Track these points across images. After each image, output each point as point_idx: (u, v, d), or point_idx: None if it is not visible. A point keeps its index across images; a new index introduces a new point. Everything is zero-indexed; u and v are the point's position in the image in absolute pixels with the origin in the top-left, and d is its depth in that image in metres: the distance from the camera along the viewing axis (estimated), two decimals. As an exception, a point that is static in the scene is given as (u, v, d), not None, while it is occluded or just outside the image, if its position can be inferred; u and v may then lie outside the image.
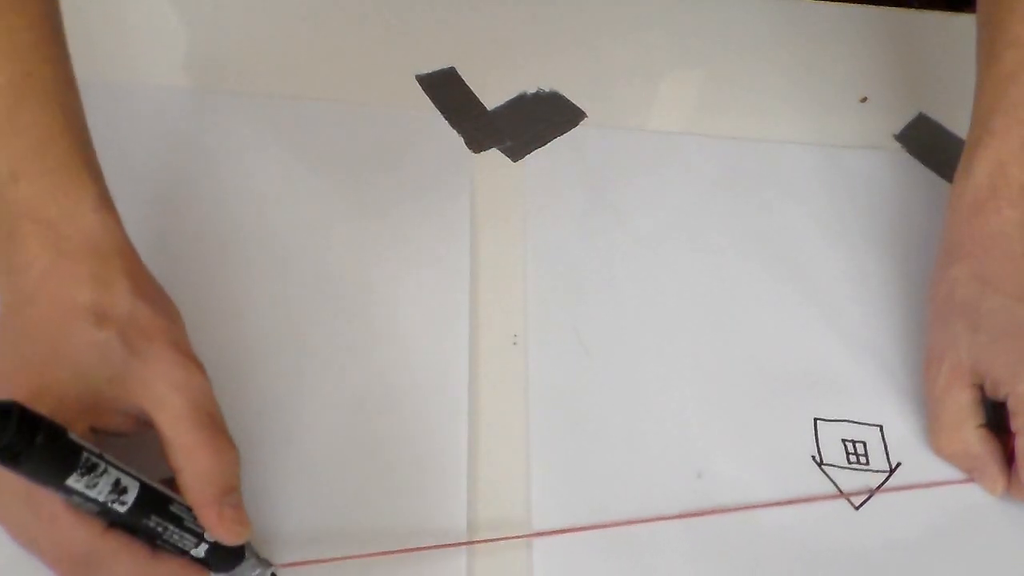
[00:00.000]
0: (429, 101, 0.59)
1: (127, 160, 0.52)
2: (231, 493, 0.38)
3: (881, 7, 0.71)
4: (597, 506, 0.46)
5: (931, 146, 0.63)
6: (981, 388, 0.49)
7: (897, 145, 0.64)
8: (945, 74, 0.67)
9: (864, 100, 0.66)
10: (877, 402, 0.52)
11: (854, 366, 0.53)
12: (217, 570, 0.40)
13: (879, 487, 0.49)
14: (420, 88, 0.60)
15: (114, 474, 0.36)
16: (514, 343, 0.51)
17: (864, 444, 0.50)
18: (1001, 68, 0.51)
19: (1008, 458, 0.49)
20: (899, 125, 0.65)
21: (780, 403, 0.51)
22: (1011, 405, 0.48)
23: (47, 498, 0.36)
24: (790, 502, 0.48)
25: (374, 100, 0.59)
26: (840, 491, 0.49)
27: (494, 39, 0.63)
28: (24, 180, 0.38)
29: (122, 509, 0.36)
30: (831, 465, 0.49)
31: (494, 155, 0.58)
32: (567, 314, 0.52)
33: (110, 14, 0.58)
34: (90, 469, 0.35)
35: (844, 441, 0.50)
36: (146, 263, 0.41)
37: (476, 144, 0.58)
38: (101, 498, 0.35)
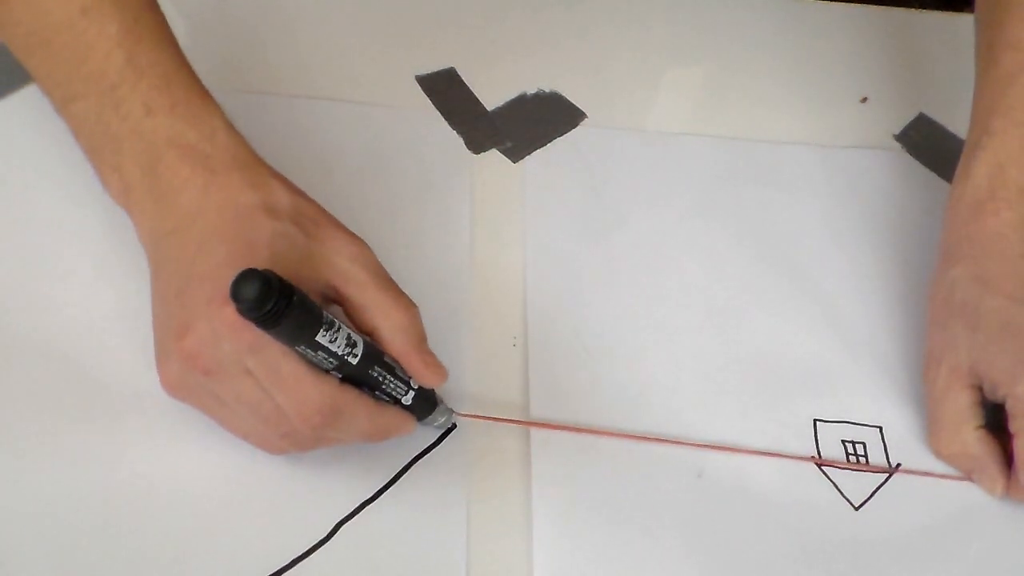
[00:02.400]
0: (429, 101, 0.59)
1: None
2: (425, 342, 0.43)
3: (881, 7, 0.71)
4: (598, 506, 0.46)
5: (931, 146, 0.63)
6: (980, 389, 0.49)
7: (897, 145, 0.64)
8: (945, 74, 0.67)
9: (864, 100, 0.66)
10: (877, 403, 0.52)
11: (854, 367, 0.53)
12: (420, 417, 0.45)
13: (879, 487, 0.49)
14: (420, 88, 0.60)
15: (345, 331, 0.40)
16: (514, 344, 0.51)
17: (864, 444, 0.51)
18: (1000, 70, 0.51)
19: (1008, 459, 0.49)
20: (899, 125, 0.65)
21: (780, 403, 0.51)
22: (1009, 407, 0.48)
23: (288, 363, 0.39)
24: (790, 502, 0.48)
25: (374, 100, 0.59)
26: (840, 491, 0.49)
27: (494, 39, 0.63)
28: (160, 113, 0.42)
29: (354, 361, 0.40)
30: (831, 465, 0.50)
31: (494, 156, 0.58)
32: (567, 314, 0.52)
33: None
34: (330, 326, 0.39)
35: (844, 442, 0.50)
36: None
37: (476, 145, 0.58)
38: (340, 351, 0.39)
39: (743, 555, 0.46)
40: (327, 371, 0.40)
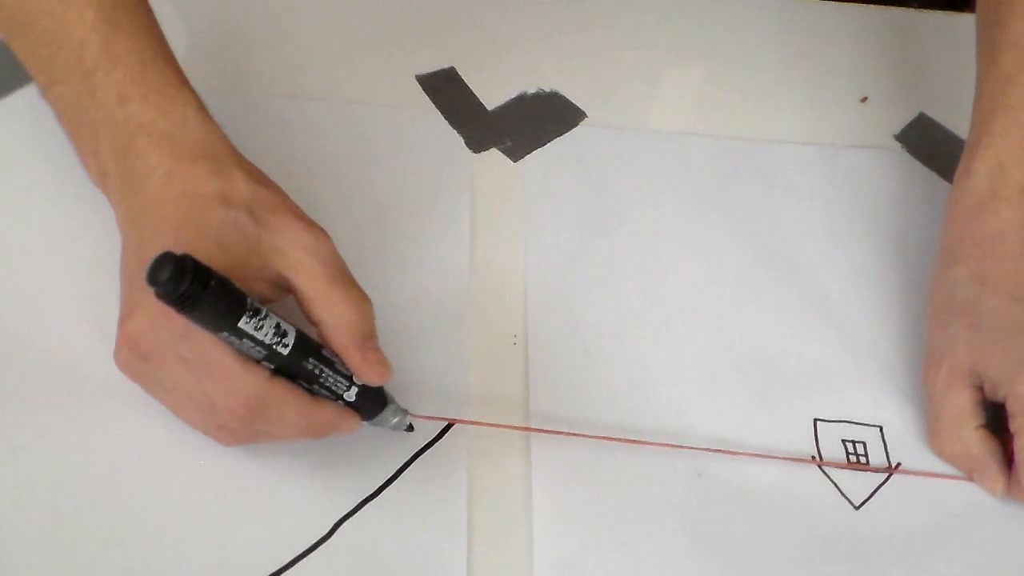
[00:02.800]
0: (429, 101, 0.59)
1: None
2: (371, 339, 0.42)
3: (881, 7, 0.71)
4: (598, 506, 0.46)
5: (931, 146, 0.63)
6: (981, 389, 0.49)
7: (897, 145, 0.64)
8: (945, 74, 0.67)
9: (864, 100, 0.66)
10: (877, 402, 0.52)
11: (854, 366, 0.53)
12: (365, 416, 0.43)
13: (879, 487, 0.49)
14: (420, 88, 0.60)
15: (274, 319, 0.39)
16: (514, 343, 0.51)
17: (864, 444, 0.50)
18: (1000, 70, 0.51)
19: (1008, 458, 0.49)
20: (899, 125, 0.65)
21: (780, 403, 0.51)
22: (1009, 406, 0.48)
23: (216, 351, 0.39)
24: (790, 502, 0.48)
25: (374, 100, 0.59)
26: (840, 491, 0.49)
27: (494, 39, 0.63)
28: (132, 101, 0.42)
29: (284, 351, 0.39)
30: (831, 465, 0.49)
31: (494, 155, 0.58)
32: (567, 314, 0.52)
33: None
34: (255, 313, 0.38)
35: (844, 441, 0.50)
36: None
37: (476, 144, 0.58)
38: (267, 340, 0.39)
39: (743, 555, 0.46)
40: (258, 361, 0.40)
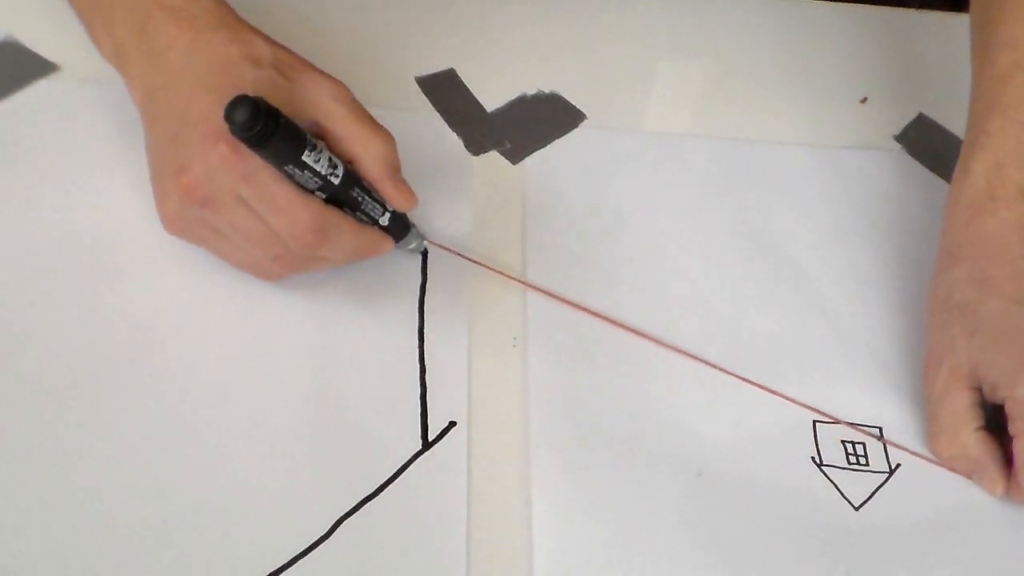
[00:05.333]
0: (428, 103, 0.59)
1: (129, 157, 0.52)
2: (399, 171, 0.47)
3: (881, 7, 0.71)
4: (597, 506, 0.46)
5: (931, 146, 0.63)
6: (980, 391, 0.49)
7: (897, 145, 0.64)
8: (945, 74, 0.67)
9: (864, 100, 0.66)
10: (877, 403, 0.52)
11: (854, 367, 0.53)
12: (395, 239, 0.49)
13: (879, 488, 0.49)
14: (420, 90, 0.60)
15: (327, 153, 0.44)
16: (514, 344, 0.51)
17: (864, 445, 0.51)
18: (995, 69, 0.51)
19: (1007, 460, 0.49)
20: (899, 125, 0.65)
21: (779, 403, 0.51)
22: (1008, 409, 0.48)
23: (279, 187, 0.43)
24: (790, 502, 0.48)
25: (373, 102, 0.58)
26: (840, 491, 0.49)
27: (494, 40, 0.63)
28: None
29: (336, 180, 0.44)
30: (831, 466, 0.50)
31: (493, 157, 0.58)
32: (567, 315, 0.52)
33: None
34: (313, 147, 0.43)
35: (844, 442, 0.50)
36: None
37: (475, 146, 0.58)
38: (323, 171, 0.44)
39: (743, 555, 0.46)
40: (312, 192, 0.44)
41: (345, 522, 0.44)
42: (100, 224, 0.50)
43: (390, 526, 0.44)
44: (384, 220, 0.48)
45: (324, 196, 0.45)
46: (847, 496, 0.49)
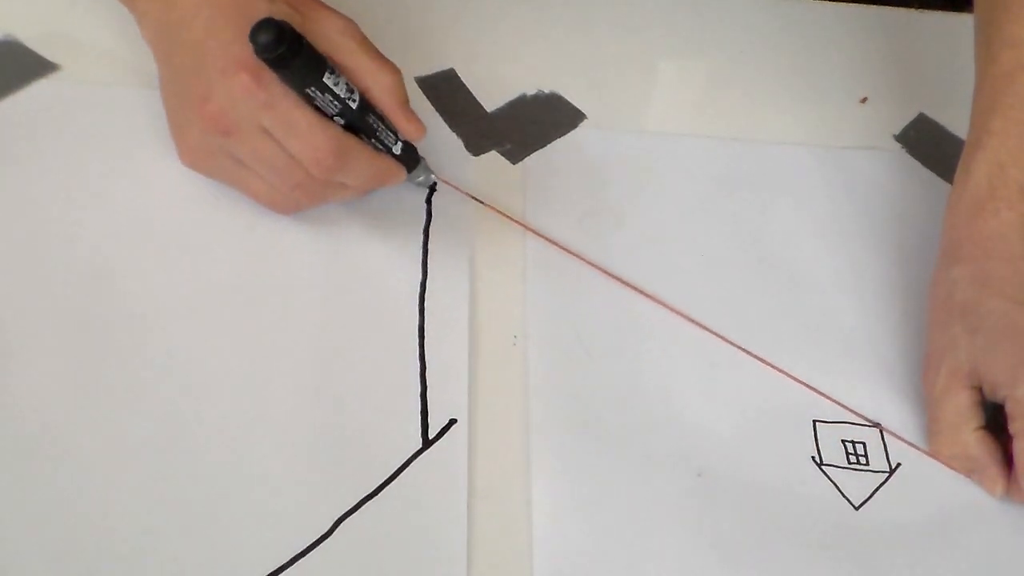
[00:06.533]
0: (428, 103, 0.59)
1: (131, 160, 0.52)
2: (408, 102, 0.49)
3: (881, 7, 0.71)
4: (598, 506, 0.46)
5: (931, 146, 0.63)
6: (980, 390, 0.49)
7: (897, 145, 0.64)
8: (945, 74, 0.67)
9: (864, 100, 0.66)
10: (876, 403, 0.52)
11: (854, 367, 0.53)
12: (408, 169, 0.51)
13: (879, 487, 0.49)
14: (420, 90, 0.60)
15: (344, 77, 0.46)
16: (514, 343, 0.51)
17: (864, 445, 0.51)
18: (998, 69, 0.51)
19: (1008, 460, 0.49)
20: (899, 125, 0.65)
21: (779, 404, 0.51)
22: (1009, 408, 0.48)
23: (300, 112, 0.45)
24: (790, 502, 0.48)
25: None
26: (840, 491, 0.49)
27: (494, 40, 0.63)
28: None
29: (354, 105, 0.46)
30: (831, 465, 0.50)
31: (493, 157, 0.58)
32: (567, 314, 0.52)
33: (114, 17, 0.58)
34: (332, 71, 0.45)
35: (844, 442, 0.50)
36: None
37: (475, 146, 0.58)
38: (343, 94, 0.46)
39: (743, 554, 0.46)
40: (331, 118, 0.46)
41: (345, 521, 0.44)
42: (100, 223, 0.50)
43: (390, 525, 0.44)
44: (397, 149, 0.50)
45: (343, 122, 0.47)
46: (847, 496, 0.49)
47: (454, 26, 0.64)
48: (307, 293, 0.50)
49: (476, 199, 0.54)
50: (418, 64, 0.61)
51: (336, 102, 0.46)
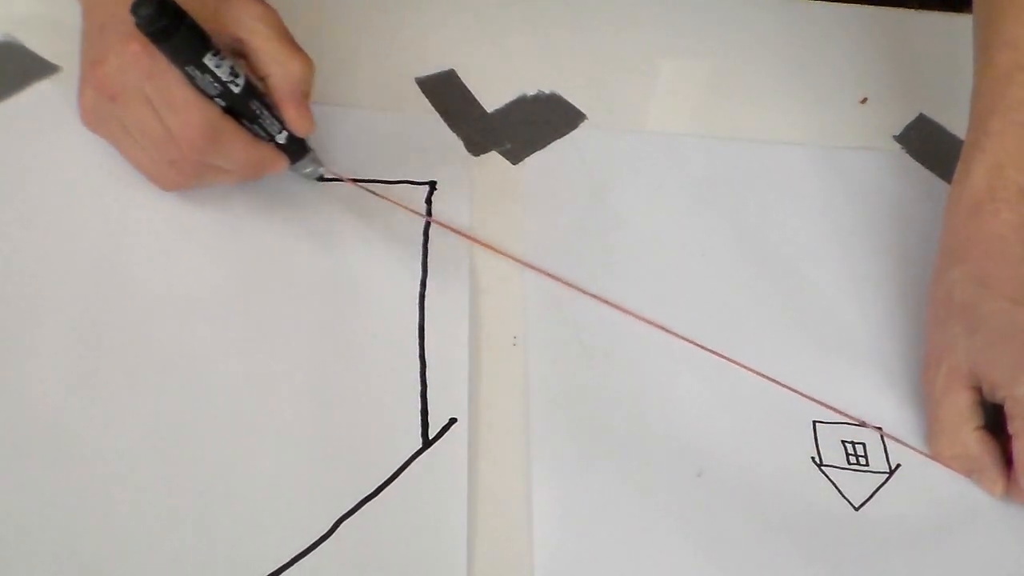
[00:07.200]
0: (429, 104, 0.59)
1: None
2: (308, 96, 0.49)
3: (881, 7, 0.71)
4: (598, 506, 0.46)
5: (931, 147, 0.63)
6: (980, 390, 0.49)
7: (897, 146, 0.64)
8: (945, 74, 0.67)
9: (864, 100, 0.66)
10: (876, 404, 0.52)
11: (854, 367, 0.53)
12: (291, 160, 0.51)
13: (879, 488, 0.49)
14: (420, 90, 0.60)
15: (230, 61, 0.46)
16: (514, 344, 0.51)
17: (864, 445, 0.51)
18: (996, 70, 0.51)
19: (1007, 459, 0.49)
20: (899, 125, 0.65)
21: (779, 404, 0.51)
22: (1008, 408, 0.48)
23: (178, 86, 0.45)
24: (790, 502, 0.48)
25: (374, 103, 0.59)
26: (840, 491, 0.49)
27: (494, 41, 0.64)
28: None
29: (236, 89, 0.46)
30: (831, 466, 0.50)
31: (493, 157, 0.58)
32: (567, 314, 0.52)
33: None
34: (216, 53, 0.45)
35: (844, 442, 0.50)
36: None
37: (476, 147, 0.58)
38: (225, 77, 0.46)
39: (743, 555, 0.46)
40: (212, 99, 0.46)
41: (345, 521, 0.44)
42: (102, 223, 0.50)
43: (391, 525, 0.44)
44: (281, 138, 0.49)
45: (224, 104, 0.47)
46: (847, 496, 0.49)
47: (454, 26, 0.64)
48: (307, 293, 0.50)
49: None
50: (418, 64, 0.61)
51: (216, 84, 0.46)
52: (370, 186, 0.53)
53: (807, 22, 0.69)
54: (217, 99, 0.46)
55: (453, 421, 0.47)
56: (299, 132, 0.49)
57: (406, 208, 0.53)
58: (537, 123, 0.60)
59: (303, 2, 0.63)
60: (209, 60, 0.45)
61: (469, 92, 0.60)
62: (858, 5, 0.71)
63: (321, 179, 0.53)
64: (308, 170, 0.52)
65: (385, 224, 0.53)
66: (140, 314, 0.48)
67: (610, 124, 0.61)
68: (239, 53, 0.48)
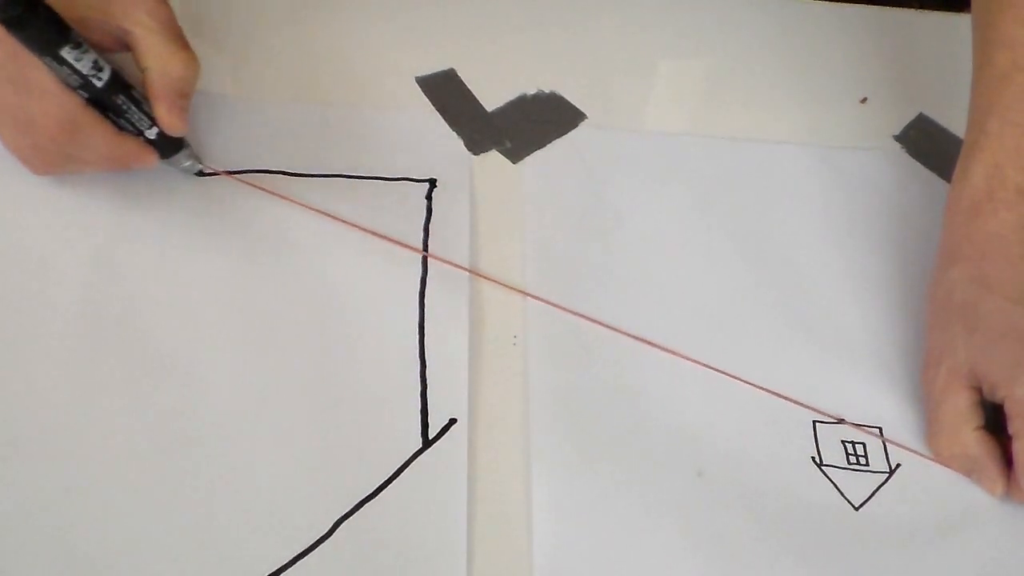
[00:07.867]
0: (429, 103, 0.59)
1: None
2: (185, 96, 0.48)
3: (881, 7, 0.71)
4: (597, 506, 0.46)
5: (931, 147, 0.63)
6: (979, 390, 0.49)
7: (897, 146, 0.64)
8: (945, 74, 0.67)
9: (864, 100, 0.66)
10: (876, 404, 0.52)
11: (853, 367, 0.53)
12: (163, 155, 0.50)
13: (879, 488, 0.49)
14: (420, 90, 0.60)
15: (94, 55, 0.45)
16: (514, 343, 0.51)
17: (864, 445, 0.51)
18: (994, 70, 0.51)
19: (1007, 459, 0.49)
20: (899, 125, 0.65)
21: (779, 404, 0.51)
22: (1008, 408, 0.48)
23: (38, 74, 0.44)
24: (790, 502, 0.48)
25: (374, 102, 0.59)
26: (840, 491, 0.49)
27: (494, 40, 0.63)
28: None
29: (99, 84, 0.46)
30: (831, 466, 0.50)
31: (494, 157, 0.58)
32: (567, 314, 0.52)
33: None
34: (77, 46, 0.44)
35: (844, 442, 0.50)
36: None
37: (476, 146, 0.58)
38: (85, 71, 0.45)
39: (743, 555, 0.46)
40: (75, 90, 0.45)
41: (345, 522, 0.44)
42: (102, 223, 0.50)
43: (390, 525, 0.44)
44: (151, 134, 0.48)
45: (87, 96, 0.46)
46: (847, 496, 0.49)
47: (454, 26, 0.64)
48: (306, 292, 0.50)
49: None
50: (418, 64, 0.61)
51: (77, 76, 0.45)
52: (269, 180, 0.53)
53: (807, 22, 0.69)
54: (80, 91, 0.46)
55: (453, 421, 0.47)
56: (168, 130, 0.48)
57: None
58: (537, 122, 0.60)
59: (303, 2, 0.63)
60: (67, 53, 0.44)
61: (469, 91, 0.60)
62: (858, 5, 0.71)
63: (200, 174, 0.52)
64: (187, 164, 0.51)
65: (385, 223, 0.53)
66: (139, 316, 0.48)
67: (610, 124, 0.61)
68: (125, 45, 0.47)
